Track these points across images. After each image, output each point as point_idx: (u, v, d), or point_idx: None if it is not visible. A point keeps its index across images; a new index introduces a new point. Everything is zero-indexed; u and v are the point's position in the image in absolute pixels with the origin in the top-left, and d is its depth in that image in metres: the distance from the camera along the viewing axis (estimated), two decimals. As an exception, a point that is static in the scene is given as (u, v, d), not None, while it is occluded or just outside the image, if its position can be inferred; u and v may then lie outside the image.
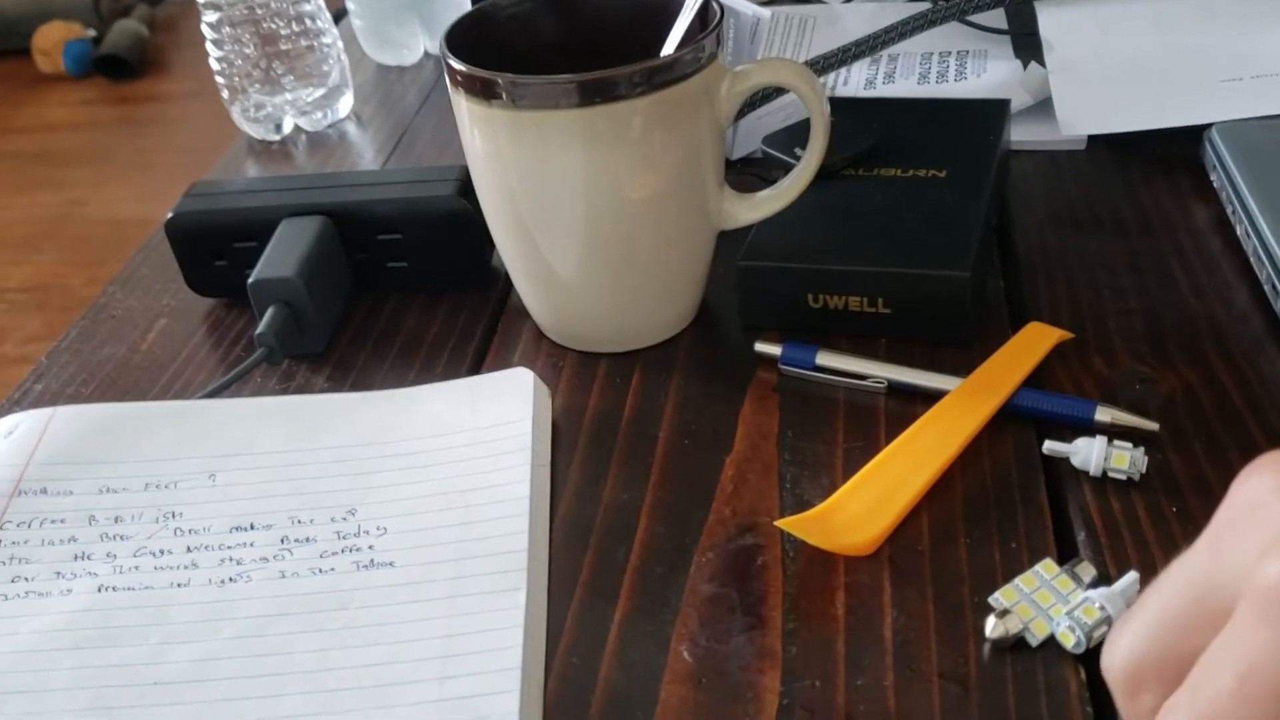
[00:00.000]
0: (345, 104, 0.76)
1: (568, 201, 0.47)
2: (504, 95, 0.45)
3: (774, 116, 0.64)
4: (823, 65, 0.63)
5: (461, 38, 0.48)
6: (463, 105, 0.47)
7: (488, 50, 0.47)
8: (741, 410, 0.47)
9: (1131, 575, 0.37)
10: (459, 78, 0.46)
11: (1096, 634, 0.36)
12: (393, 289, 0.57)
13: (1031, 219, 0.57)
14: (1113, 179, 0.60)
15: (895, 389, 0.47)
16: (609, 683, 0.37)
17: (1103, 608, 0.36)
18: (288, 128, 0.74)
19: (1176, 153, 0.60)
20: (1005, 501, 0.42)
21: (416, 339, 0.54)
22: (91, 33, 3.20)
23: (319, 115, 0.75)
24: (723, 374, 0.50)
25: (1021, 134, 0.62)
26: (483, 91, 0.45)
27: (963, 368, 0.46)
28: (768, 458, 0.45)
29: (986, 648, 0.37)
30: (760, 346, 0.49)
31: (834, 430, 0.46)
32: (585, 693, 0.37)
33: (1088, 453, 0.42)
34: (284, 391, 0.51)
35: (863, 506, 0.41)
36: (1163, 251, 0.54)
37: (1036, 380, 0.47)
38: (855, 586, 0.39)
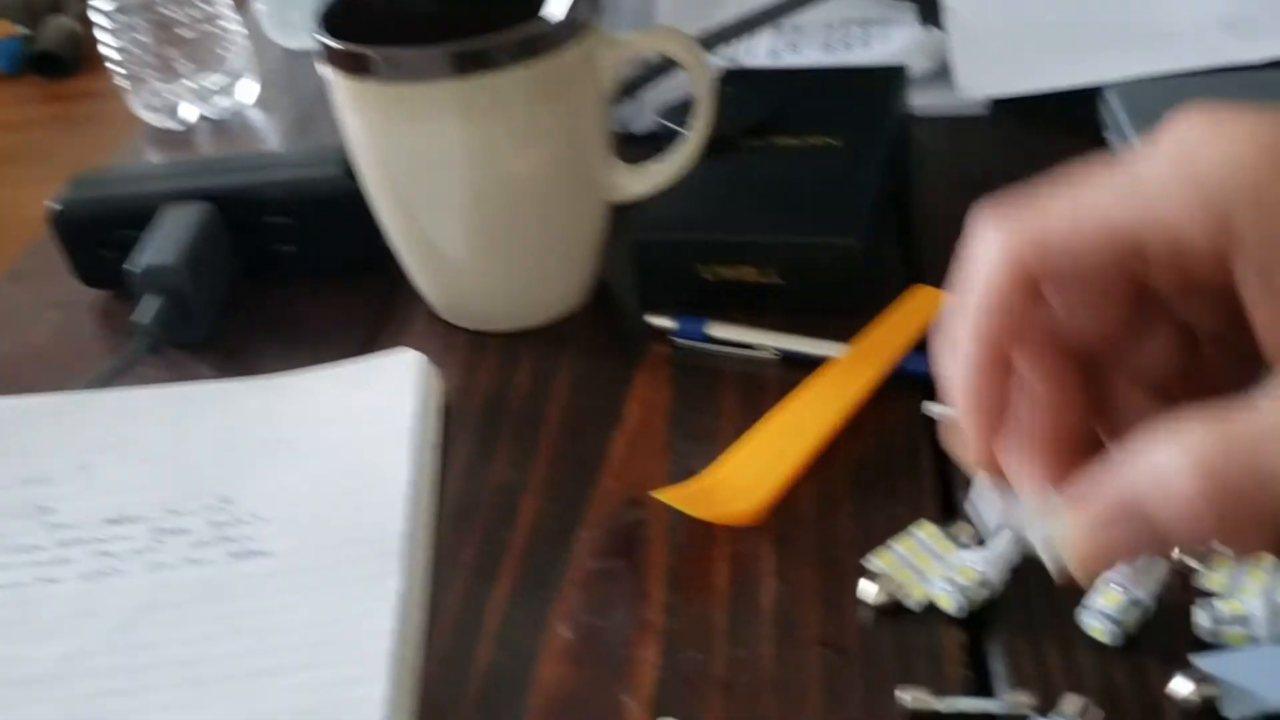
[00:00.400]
0: (248, 90, 0.74)
1: (449, 179, 0.46)
2: (376, 70, 0.44)
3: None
4: (724, 35, 0.63)
5: (336, 16, 0.47)
6: (336, 83, 0.46)
7: (363, 28, 0.46)
8: (634, 385, 0.47)
9: (1011, 536, 0.37)
10: (331, 54, 0.45)
11: (975, 597, 0.35)
12: (284, 273, 0.55)
13: (932, 185, 0.57)
14: (1014, 142, 0.59)
15: (787, 358, 0.47)
16: (487, 664, 0.36)
17: (981, 570, 0.36)
18: (189, 116, 0.73)
19: (1078, 115, 0.60)
20: (890, 466, 0.41)
21: (307, 323, 0.53)
22: (23, 30, 3.14)
23: (222, 102, 0.73)
24: (617, 349, 0.49)
25: (924, 100, 0.61)
26: (355, 67, 0.44)
27: (858, 336, 0.46)
28: (658, 431, 0.44)
29: (867, 613, 0.36)
30: (653, 320, 0.49)
31: (725, 402, 0.45)
32: (462, 675, 0.36)
33: (972, 414, 0.41)
34: (170, 381, 0.50)
35: (746, 476, 0.41)
36: (1059, 213, 0.54)
37: (923, 344, 0.46)
38: (738, 556, 0.39)
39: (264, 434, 0.44)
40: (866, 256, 0.48)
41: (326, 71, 0.46)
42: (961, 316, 0.28)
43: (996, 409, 0.28)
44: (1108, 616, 0.34)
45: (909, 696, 0.33)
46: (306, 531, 0.40)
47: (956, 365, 0.28)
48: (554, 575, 0.39)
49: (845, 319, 0.48)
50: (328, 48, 0.45)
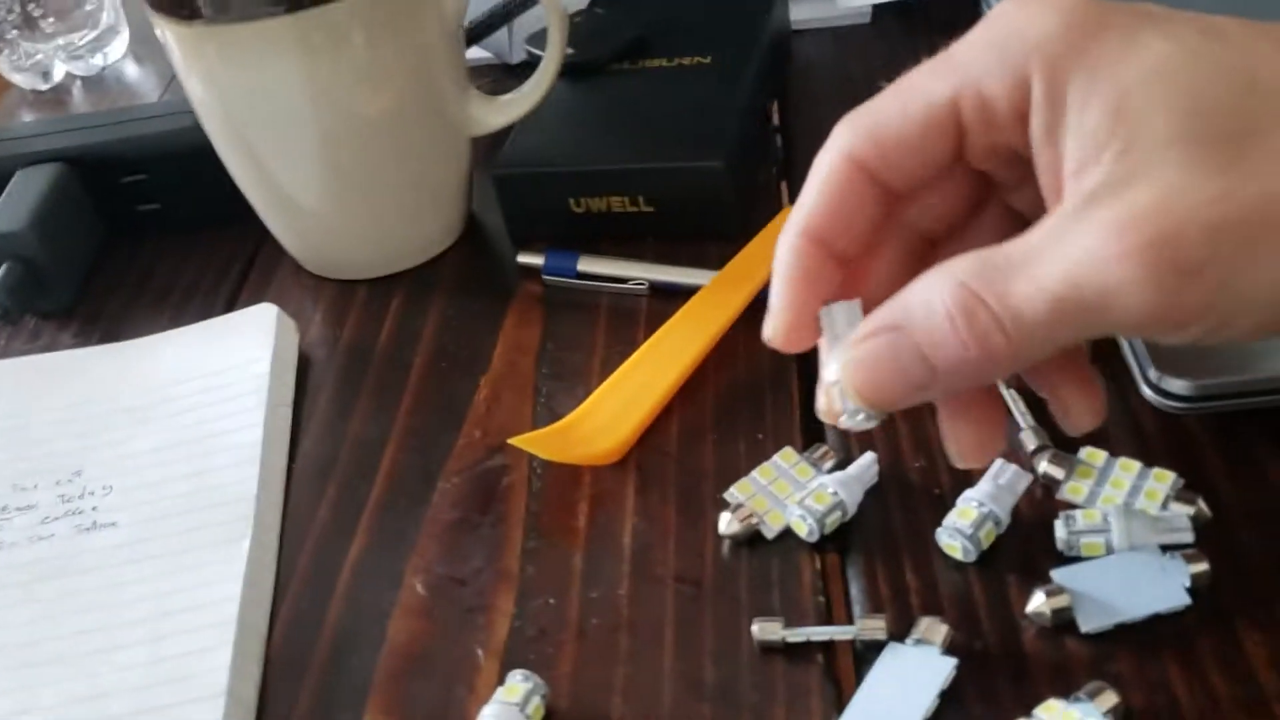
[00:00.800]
0: (120, 44, 0.71)
1: (294, 123, 0.44)
2: (205, 9, 0.42)
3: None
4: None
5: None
6: (165, 30, 0.43)
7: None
8: (503, 327, 0.45)
9: (869, 456, 0.36)
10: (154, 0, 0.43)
11: (829, 520, 0.34)
12: (149, 233, 0.54)
13: (811, 101, 0.55)
14: (897, 50, 0.58)
15: (659, 290, 0.45)
16: (337, 625, 0.35)
17: (835, 492, 0.35)
18: (58, 75, 0.70)
19: (960, 17, 0.58)
20: (756, 394, 0.40)
21: (170, 284, 0.51)
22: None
23: (93, 59, 0.70)
24: (487, 291, 0.47)
25: (803, 14, 0.59)
26: (181, 10, 0.42)
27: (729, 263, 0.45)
28: (525, 374, 0.43)
29: (725, 545, 0.35)
30: (523, 258, 0.47)
31: (595, 338, 0.44)
32: (311, 638, 0.35)
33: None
34: (29, 351, 0.48)
35: (607, 415, 0.39)
36: (940, 121, 0.52)
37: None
38: (599, 497, 0.38)
39: (117, 402, 0.43)
40: (735, 178, 0.46)
41: (155, 20, 0.43)
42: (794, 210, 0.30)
43: (807, 290, 0.29)
44: (961, 533, 0.33)
45: (758, 628, 0.32)
46: (157, 499, 0.39)
47: (777, 250, 0.29)
48: (411, 529, 0.38)
49: (724, 244, 0.46)
50: (151, -8, 0.43)
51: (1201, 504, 0.33)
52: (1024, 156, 0.27)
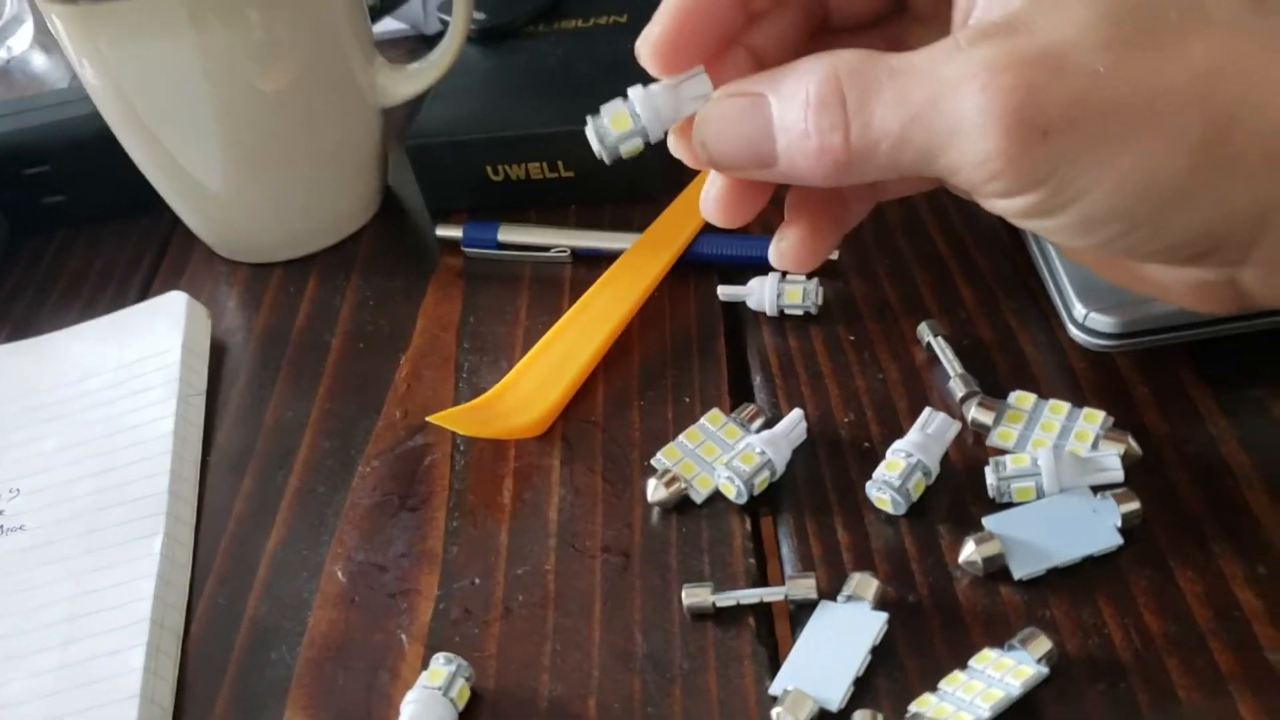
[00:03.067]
0: (25, 35, 0.69)
1: (192, 103, 0.42)
2: (88, -10, 0.40)
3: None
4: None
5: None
6: (52, 13, 0.41)
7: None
8: (423, 303, 0.44)
9: (796, 414, 0.35)
10: (35, -21, 0.41)
11: (758, 481, 0.34)
12: (57, 226, 0.52)
13: (734, 55, 0.54)
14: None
15: (582, 256, 0.44)
16: (256, 619, 0.34)
17: (763, 452, 0.34)
18: (-38, 68, 0.68)
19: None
20: (683, 356, 0.39)
21: (81, 277, 0.49)
22: None
23: (-3, 50, 0.68)
24: (406, 266, 0.46)
25: (723, -34, 0.58)
26: (65, -10, 0.40)
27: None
28: (446, 350, 0.42)
29: (654, 513, 0.34)
30: (441, 231, 0.46)
31: (517, 310, 0.43)
32: (230, 633, 0.34)
33: (760, 293, 0.39)
34: (-65, 356, 0.46)
35: (531, 386, 0.38)
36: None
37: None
38: (524, 471, 0.37)
39: (23, 401, 0.41)
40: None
41: (42, 3, 0.42)
42: None
43: (701, 14, 0.28)
44: (890, 485, 0.32)
45: (686, 595, 0.31)
46: (66, 500, 0.37)
47: None
48: (330, 516, 0.36)
49: (648, 206, 0.45)
50: (32, -27, 0.41)
51: (1131, 441, 0.32)
52: None
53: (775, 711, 0.28)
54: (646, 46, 0.28)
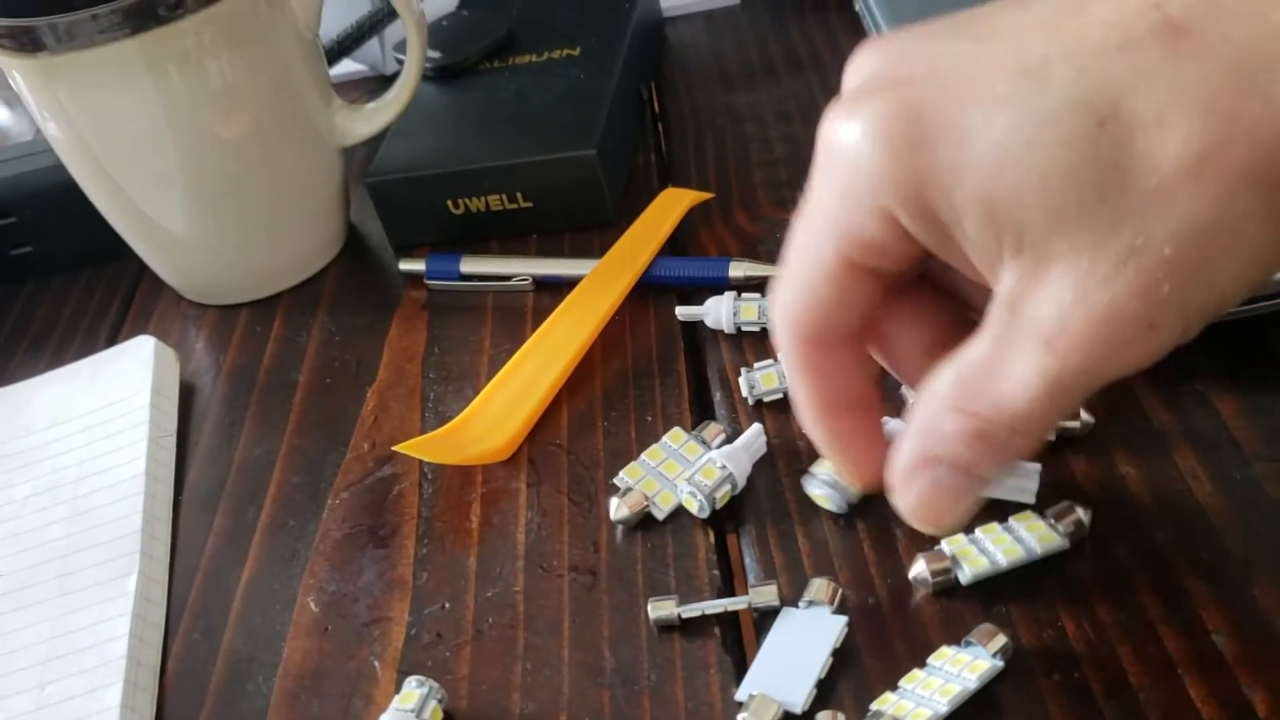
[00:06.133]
0: (-11, 89, 0.70)
1: (152, 150, 0.43)
2: (47, 39, 0.41)
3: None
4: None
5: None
6: (11, 66, 0.42)
7: (26, 5, 0.43)
8: (388, 336, 0.45)
9: (755, 428, 0.36)
10: (-5, 35, 0.41)
11: (719, 495, 0.34)
12: (26, 276, 0.52)
13: (687, 83, 0.55)
14: (766, 28, 0.58)
15: (544, 284, 0.45)
16: (230, 652, 0.34)
17: (723, 466, 0.35)
18: (-73, 125, 0.68)
19: (827, 1, 0.59)
20: (645, 377, 0.40)
21: (50, 326, 0.50)
22: None
23: (-38, 106, 0.69)
24: (371, 301, 0.47)
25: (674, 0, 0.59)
26: (27, 42, 0.41)
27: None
28: (412, 381, 0.43)
29: (618, 531, 0.35)
30: (404, 265, 0.47)
31: (481, 339, 0.44)
32: (205, 667, 0.34)
33: (717, 311, 0.40)
34: (-94, 411, 0.47)
35: (496, 412, 0.39)
36: (812, 92, 0.52)
37: (680, 248, 0.45)
38: (492, 496, 0.37)
39: (-5, 450, 0.42)
40: (608, 165, 0.46)
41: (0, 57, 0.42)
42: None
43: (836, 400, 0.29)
44: (827, 483, 0.33)
45: (652, 608, 0.32)
46: (38, 544, 0.38)
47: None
48: (302, 549, 0.37)
49: (607, 231, 0.46)
50: (-9, 29, 0.41)
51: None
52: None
53: (741, 716, 0.29)
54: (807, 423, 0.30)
